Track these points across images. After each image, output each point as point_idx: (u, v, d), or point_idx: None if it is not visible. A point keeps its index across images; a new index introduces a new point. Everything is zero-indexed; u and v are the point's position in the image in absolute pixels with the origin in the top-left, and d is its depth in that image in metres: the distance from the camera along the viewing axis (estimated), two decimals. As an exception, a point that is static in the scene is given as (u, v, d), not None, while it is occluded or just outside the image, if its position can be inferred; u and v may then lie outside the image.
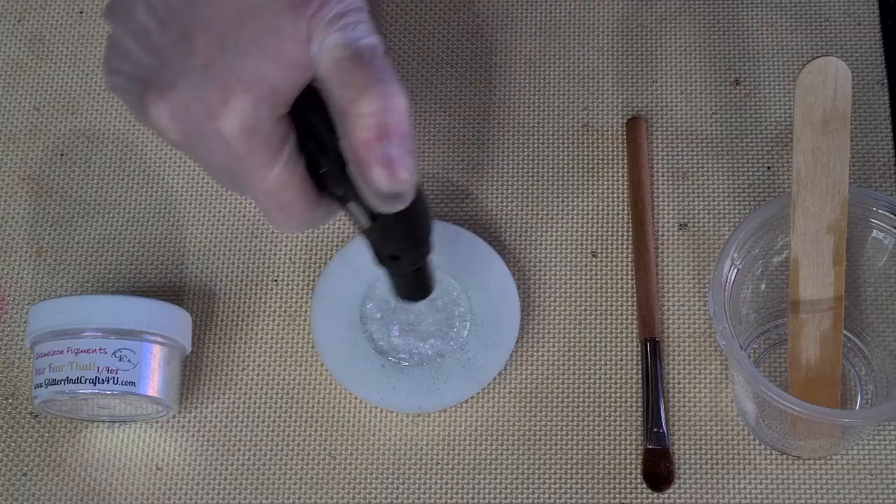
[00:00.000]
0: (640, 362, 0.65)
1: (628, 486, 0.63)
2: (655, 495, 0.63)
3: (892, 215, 0.60)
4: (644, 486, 0.63)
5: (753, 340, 0.65)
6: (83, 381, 0.61)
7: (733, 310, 0.59)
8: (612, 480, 0.64)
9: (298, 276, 0.68)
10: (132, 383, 0.62)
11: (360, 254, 0.66)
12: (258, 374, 0.66)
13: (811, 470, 0.63)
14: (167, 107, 0.50)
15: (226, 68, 0.49)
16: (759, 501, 0.63)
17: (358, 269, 0.66)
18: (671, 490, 0.63)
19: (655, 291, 0.66)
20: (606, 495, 0.63)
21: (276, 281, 0.68)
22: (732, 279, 0.59)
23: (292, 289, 0.68)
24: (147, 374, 0.62)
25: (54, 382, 0.61)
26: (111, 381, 0.61)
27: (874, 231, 0.61)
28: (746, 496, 0.63)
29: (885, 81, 0.71)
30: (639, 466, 0.64)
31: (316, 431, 0.65)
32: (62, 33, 0.75)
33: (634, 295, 0.67)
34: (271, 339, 0.67)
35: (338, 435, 0.65)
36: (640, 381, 0.65)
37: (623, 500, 0.63)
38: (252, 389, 0.66)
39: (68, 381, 0.61)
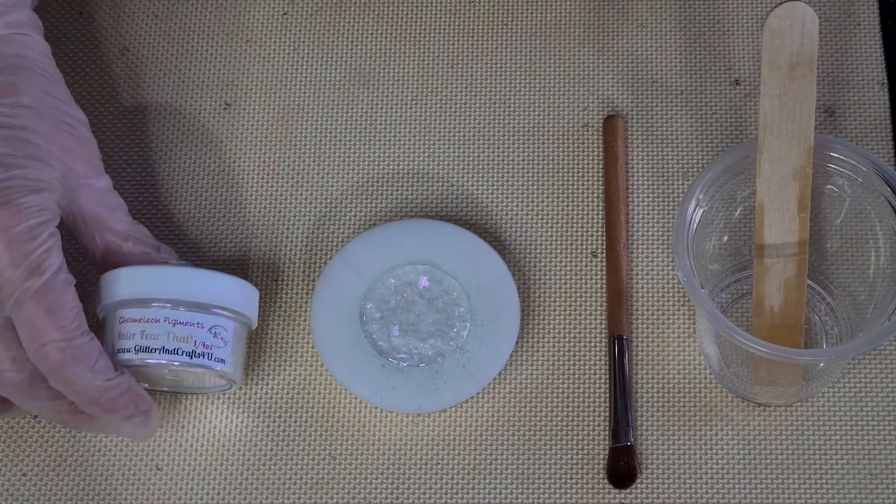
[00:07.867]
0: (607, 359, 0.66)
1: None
2: (656, 495, 0.63)
3: (851, 162, 0.60)
4: (644, 486, 0.63)
5: (718, 294, 0.65)
6: (180, 352, 0.60)
7: (697, 259, 0.59)
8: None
9: (298, 276, 0.68)
10: (222, 360, 0.61)
11: (360, 254, 0.67)
12: (258, 375, 0.66)
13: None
14: None
15: None
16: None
17: (358, 269, 0.66)
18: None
19: (626, 290, 0.66)
20: (606, 495, 0.63)
21: (276, 281, 0.68)
22: (697, 220, 0.59)
23: (292, 289, 0.68)
24: (233, 351, 0.62)
25: (147, 350, 0.60)
26: (205, 357, 0.61)
27: (835, 177, 0.61)
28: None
29: (885, 81, 0.71)
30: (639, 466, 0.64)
31: (316, 431, 0.65)
32: (62, 33, 0.75)
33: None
34: (271, 339, 0.67)
35: (338, 435, 0.65)
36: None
37: (623, 501, 0.63)
38: (252, 389, 0.66)
39: (164, 350, 0.60)
